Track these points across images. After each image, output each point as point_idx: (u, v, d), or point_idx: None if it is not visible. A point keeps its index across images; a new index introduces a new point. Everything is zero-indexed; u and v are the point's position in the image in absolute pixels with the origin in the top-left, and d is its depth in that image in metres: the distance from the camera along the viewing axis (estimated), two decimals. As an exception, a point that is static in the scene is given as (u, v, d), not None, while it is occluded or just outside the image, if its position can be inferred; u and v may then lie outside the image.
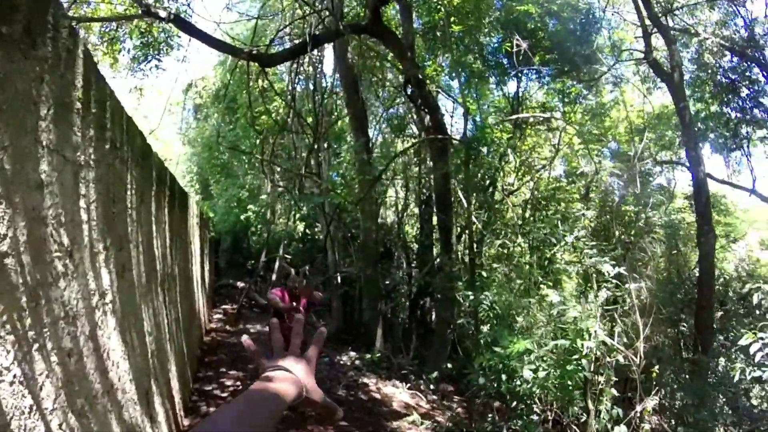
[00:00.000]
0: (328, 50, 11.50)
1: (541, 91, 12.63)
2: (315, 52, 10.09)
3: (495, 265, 8.62)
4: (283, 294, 6.21)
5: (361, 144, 9.61)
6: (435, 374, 9.58)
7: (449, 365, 10.20)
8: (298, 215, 15.92)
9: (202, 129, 17.57)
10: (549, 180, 10.92)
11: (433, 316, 13.20)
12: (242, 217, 16.65)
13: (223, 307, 15.09)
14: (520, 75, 13.18)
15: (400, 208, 14.95)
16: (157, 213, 4.40)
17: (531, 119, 10.18)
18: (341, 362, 9.92)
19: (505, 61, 11.69)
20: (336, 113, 12.91)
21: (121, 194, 3.05)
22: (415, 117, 11.25)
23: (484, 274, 8.11)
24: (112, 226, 2.81)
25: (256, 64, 8.16)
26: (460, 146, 8.57)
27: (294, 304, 6.19)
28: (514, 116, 9.82)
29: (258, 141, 15.77)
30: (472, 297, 6.93)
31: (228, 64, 16.19)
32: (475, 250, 9.26)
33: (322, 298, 6.99)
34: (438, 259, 10.96)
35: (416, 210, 15.26)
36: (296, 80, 9.67)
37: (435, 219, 14.86)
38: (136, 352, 3.32)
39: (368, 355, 9.72)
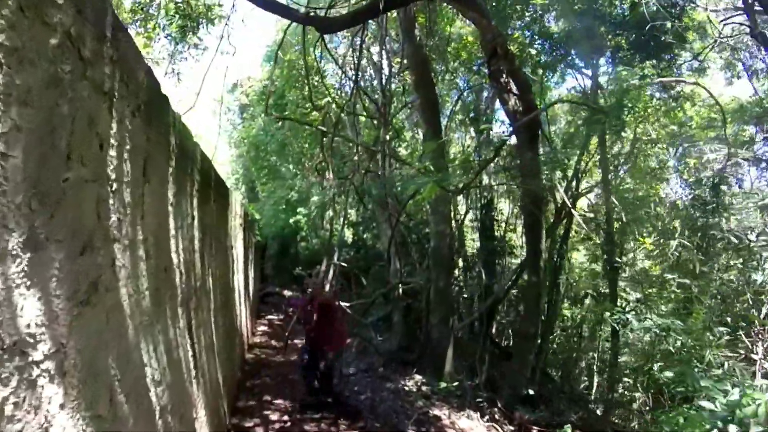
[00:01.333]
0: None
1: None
2: (378, 25, 8.71)
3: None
4: (303, 300, 6.79)
5: (431, 134, 8.16)
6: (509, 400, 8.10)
7: (531, 391, 8.66)
8: (351, 219, 14.61)
9: (249, 129, 16.50)
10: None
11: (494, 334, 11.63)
12: (291, 221, 15.44)
13: (269, 317, 13.89)
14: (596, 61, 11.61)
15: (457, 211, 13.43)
16: (177, 199, 3.05)
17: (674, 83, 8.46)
18: (406, 388, 8.44)
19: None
20: (403, 98, 11.42)
21: (89, 136, 1.66)
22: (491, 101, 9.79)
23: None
24: (59, 201, 1.43)
25: (314, 29, 6.81)
26: (600, 115, 7.01)
27: (309, 307, 6.63)
28: (660, 80, 8.13)
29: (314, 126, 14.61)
30: (632, 322, 5.27)
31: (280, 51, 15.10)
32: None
33: (331, 296, 7.00)
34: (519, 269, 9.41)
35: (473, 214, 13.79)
36: (359, 54, 8.18)
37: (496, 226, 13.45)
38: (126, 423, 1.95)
39: (442, 384, 8.20)
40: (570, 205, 8.14)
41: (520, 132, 7.64)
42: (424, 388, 8.54)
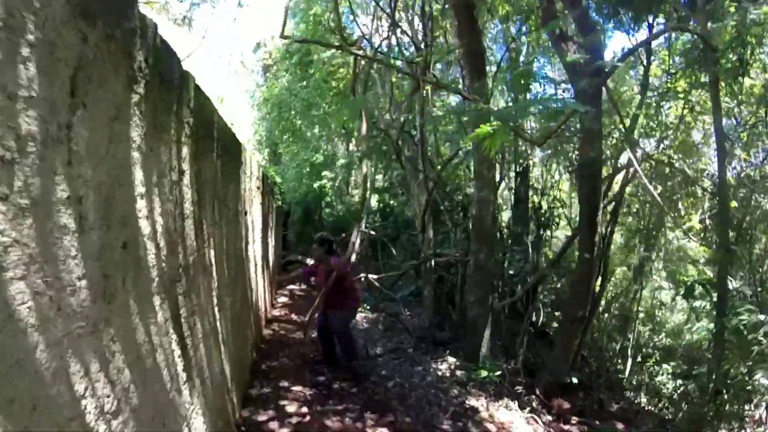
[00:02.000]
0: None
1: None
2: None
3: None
4: (314, 266, 6.91)
5: (478, 88, 7.11)
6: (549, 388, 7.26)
7: (574, 379, 7.79)
8: (378, 184, 13.66)
9: (272, 87, 15.53)
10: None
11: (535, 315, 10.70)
12: (315, 186, 14.56)
13: (290, 287, 13.16)
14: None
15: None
16: (152, 144, 2.15)
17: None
18: (439, 373, 7.60)
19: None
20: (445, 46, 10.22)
21: None
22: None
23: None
24: None
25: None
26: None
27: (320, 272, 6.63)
28: None
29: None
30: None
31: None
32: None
33: (339, 264, 6.58)
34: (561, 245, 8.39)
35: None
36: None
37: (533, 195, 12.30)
38: None
39: (482, 372, 7.32)
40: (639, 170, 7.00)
41: (581, 87, 6.52)
42: (458, 372, 7.69)
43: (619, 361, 12.45)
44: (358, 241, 8.16)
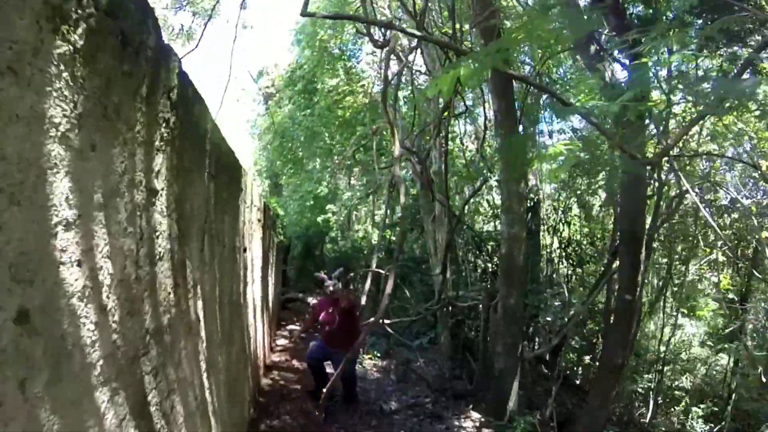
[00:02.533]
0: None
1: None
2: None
3: None
4: (324, 303, 6.66)
5: (504, 108, 6.31)
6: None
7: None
8: (383, 219, 12.80)
9: (274, 115, 14.83)
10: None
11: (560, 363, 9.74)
12: (319, 220, 13.66)
13: (290, 327, 12.14)
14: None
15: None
16: (103, 144, 1.30)
17: None
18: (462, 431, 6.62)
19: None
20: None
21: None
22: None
23: None
24: None
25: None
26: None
27: (331, 310, 6.39)
28: None
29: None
30: None
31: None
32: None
33: (356, 300, 6.56)
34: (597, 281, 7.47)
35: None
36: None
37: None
38: None
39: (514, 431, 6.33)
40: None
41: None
42: (485, 431, 6.72)
43: (641, 404, 11.44)
44: (368, 283, 7.27)
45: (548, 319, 7.85)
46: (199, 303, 2.66)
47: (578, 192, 11.28)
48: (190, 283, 2.44)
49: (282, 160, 14.75)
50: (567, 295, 7.93)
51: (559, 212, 11.51)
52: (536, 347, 8.89)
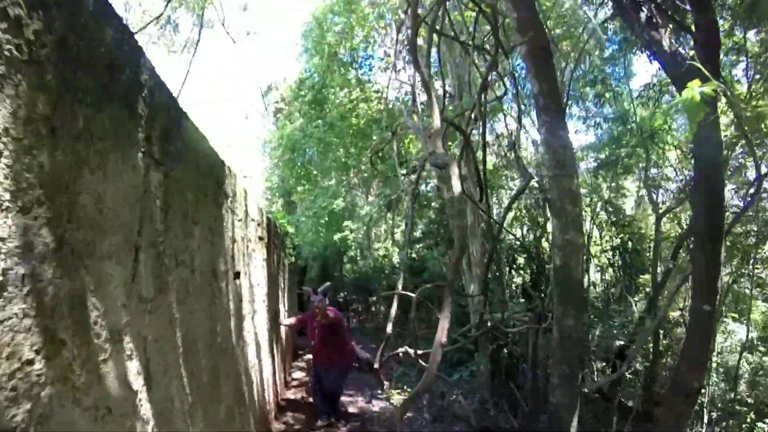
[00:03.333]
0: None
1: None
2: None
3: None
4: (310, 317, 6.59)
5: (547, 93, 5.22)
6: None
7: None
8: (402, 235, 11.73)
9: (283, 128, 13.89)
10: None
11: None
12: (336, 238, 12.58)
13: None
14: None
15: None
16: None
17: None
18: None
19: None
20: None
21: None
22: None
23: None
24: None
25: None
26: None
27: (315, 325, 6.40)
28: None
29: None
30: None
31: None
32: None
33: (333, 318, 6.22)
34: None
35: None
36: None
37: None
38: None
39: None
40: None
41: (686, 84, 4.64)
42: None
43: (694, 422, 10.06)
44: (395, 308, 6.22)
45: (617, 342, 6.61)
46: (132, 364, 1.61)
47: (605, 194, 10.18)
48: (102, 335, 1.40)
49: (294, 176, 13.77)
50: (634, 310, 6.69)
51: (593, 214, 10.38)
52: (592, 375, 7.66)
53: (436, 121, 2.51)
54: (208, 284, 2.73)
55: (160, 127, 1.92)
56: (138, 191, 1.71)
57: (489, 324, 6.45)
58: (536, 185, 7.46)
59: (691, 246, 6.97)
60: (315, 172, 13.84)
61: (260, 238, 5.17)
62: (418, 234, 12.11)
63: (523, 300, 8.04)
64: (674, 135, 9.83)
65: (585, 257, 9.97)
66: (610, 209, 10.33)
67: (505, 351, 7.81)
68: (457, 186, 2.15)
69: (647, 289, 8.76)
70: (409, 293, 6.17)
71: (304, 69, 13.83)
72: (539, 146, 9.42)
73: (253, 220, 4.56)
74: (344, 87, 12.47)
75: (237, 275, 3.66)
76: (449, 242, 10.99)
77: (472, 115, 4.87)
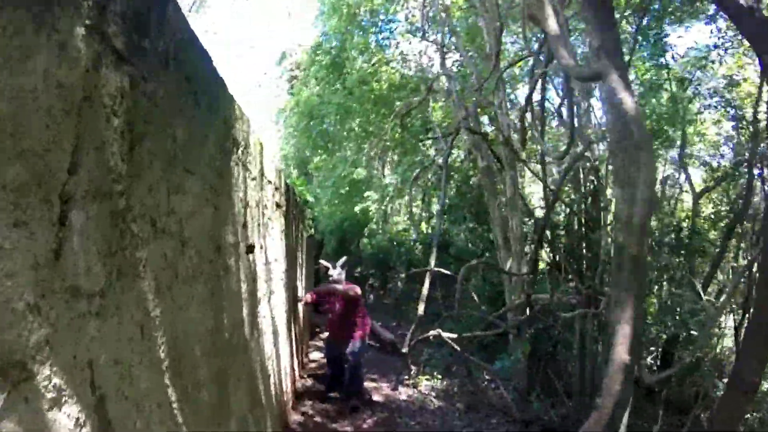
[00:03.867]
0: None
1: None
2: None
3: None
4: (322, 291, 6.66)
5: (609, 44, 4.32)
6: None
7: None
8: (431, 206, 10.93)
9: (299, 93, 12.99)
10: None
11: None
12: (357, 209, 11.78)
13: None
14: None
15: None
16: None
17: None
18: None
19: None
20: None
21: None
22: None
23: None
24: None
25: None
26: None
27: (333, 299, 6.38)
28: None
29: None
30: None
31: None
32: None
33: (355, 294, 6.06)
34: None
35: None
36: None
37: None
38: None
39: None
40: None
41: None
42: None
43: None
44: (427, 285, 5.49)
45: (689, 333, 5.75)
46: (57, 416, 0.86)
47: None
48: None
49: (311, 145, 12.91)
50: (701, 295, 5.84)
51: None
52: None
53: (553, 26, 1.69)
54: (209, 262, 1.95)
55: (131, 34, 1.13)
56: (72, 94, 0.93)
57: (536, 307, 5.66)
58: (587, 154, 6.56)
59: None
60: (333, 137, 13.00)
61: (278, 206, 4.39)
62: (444, 207, 11.30)
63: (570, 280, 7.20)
64: (726, 111, 8.82)
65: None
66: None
67: (547, 336, 7.03)
68: (629, 103, 1.36)
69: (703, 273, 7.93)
70: (444, 270, 5.44)
71: (321, 33, 12.90)
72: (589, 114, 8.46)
73: (270, 182, 3.77)
74: (364, 52, 11.59)
75: (250, 249, 2.89)
76: (477, 216, 10.16)
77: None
